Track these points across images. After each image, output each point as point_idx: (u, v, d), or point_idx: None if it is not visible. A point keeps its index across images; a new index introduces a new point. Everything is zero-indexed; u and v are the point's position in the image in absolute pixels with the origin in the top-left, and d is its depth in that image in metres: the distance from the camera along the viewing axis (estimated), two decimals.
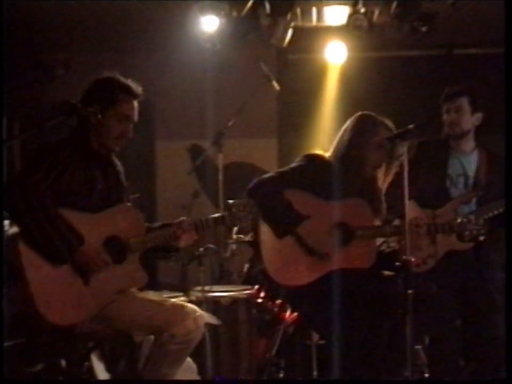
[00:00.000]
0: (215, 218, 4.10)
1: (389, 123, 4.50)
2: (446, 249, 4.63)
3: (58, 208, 3.71)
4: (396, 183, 4.51)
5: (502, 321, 4.76)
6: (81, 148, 3.88)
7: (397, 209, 4.52)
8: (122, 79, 3.95)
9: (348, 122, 4.60)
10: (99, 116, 3.77)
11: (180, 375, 3.95)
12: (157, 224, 4.11)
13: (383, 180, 4.59)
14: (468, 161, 4.80)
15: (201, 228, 4.07)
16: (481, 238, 4.34)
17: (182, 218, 4.04)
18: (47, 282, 3.66)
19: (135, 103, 3.95)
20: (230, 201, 4.11)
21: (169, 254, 4.22)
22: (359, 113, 4.60)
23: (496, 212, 4.59)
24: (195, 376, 4.17)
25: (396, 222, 4.58)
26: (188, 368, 4.09)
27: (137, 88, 3.95)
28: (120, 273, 3.85)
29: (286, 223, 4.43)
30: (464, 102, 4.72)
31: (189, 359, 4.06)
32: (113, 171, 4.04)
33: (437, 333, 4.75)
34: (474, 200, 4.72)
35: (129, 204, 4.02)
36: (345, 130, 4.58)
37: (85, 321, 3.75)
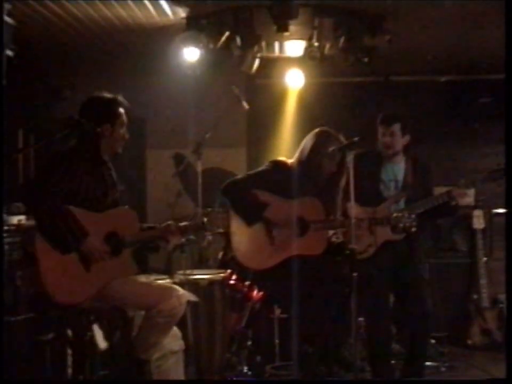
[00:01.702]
0: (197, 224, 4.10)
1: (341, 137, 4.51)
2: (383, 240, 4.65)
3: (69, 206, 3.71)
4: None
5: (427, 294, 4.80)
6: (90, 156, 3.89)
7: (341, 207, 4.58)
8: (114, 95, 3.98)
9: (309, 136, 4.61)
10: (110, 130, 3.87)
11: (169, 339, 3.98)
12: (145, 225, 4.11)
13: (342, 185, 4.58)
14: (397, 168, 4.83)
15: (185, 232, 4.10)
16: (413, 229, 4.38)
17: (170, 222, 4.02)
18: (56, 268, 3.67)
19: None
20: (209, 209, 4.11)
21: (152, 252, 4.21)
22: (318, 129, 4.61)
23: (421, 210, 4.61)
24: (179, 341, 4.15)
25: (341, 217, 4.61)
26: (174, 335, 4.08)
27: (122, 98, 4.00)
28: (116, 264, 3.84)
29: (253, 211, 4.43)
30: (397, 127, 4.74)
31: (174, 327, 4.05)
32: (111, 172, 4.04)
33: (375, 307, 4.77)
34: (403, 200, 4.75)
35: (126, 206, 4.01)
36: (306, 143, 4.60)
37: (85, 301, 3.75)
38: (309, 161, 4.54)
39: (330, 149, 4.44)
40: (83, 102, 3.96)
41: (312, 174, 4.55)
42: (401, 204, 4.74)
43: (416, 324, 4.77)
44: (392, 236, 4.61)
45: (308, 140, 4.60)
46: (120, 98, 3.98)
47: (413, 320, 4.78)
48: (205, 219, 4.06)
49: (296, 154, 4.63)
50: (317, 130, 4.61)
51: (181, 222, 4.09)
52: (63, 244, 3.67)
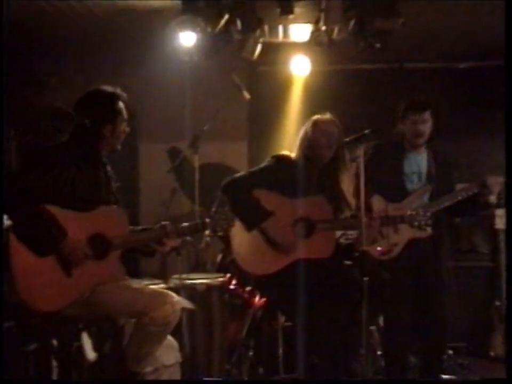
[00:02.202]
0: (198, 224, 4.04)
1: (337, 124, 4.51)
2: (408, 237, 4.64)
3: (52, 205, 3.66)
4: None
5: (449, 300, 4.84)
6: (84, 154, 3.86)
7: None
8: (114, 89, 3.97)
9: (307, 125, 4.57)
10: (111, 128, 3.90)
11: (163, 351, 3.94)
12: (139, 227, 4.07)
13: (347, 180, 4.57)
14: (420, 159, 4.83)
15: (183, 234, 4.04)
16: (428, 228, 4.36)
17: (165, 223, 3.97)
18: (32, 272, 3.63)
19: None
20: (213, 209, 4.06)
21: (146, 256, 4.18)
22: (316, 116, 4.58)
23: (447, 204, 4.61)
24: (176, 352, 4.13)
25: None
26: (170, 346, 4.05)
27: (121, 91, 3.99)
28: (101, 268, 3.80)
29: (254, 218, 4.40)
30: (428, 114, 4.74)
31: (170, 337, 4.03)
32: (107, 170, 4.02)
33: (391, 315, 4.74)
34: (427, 194, 4.74)
35: (115, 206, 3.97)
36: (306, 132, 4.56)
37: (66, 307, 3.71)
38: (313, 155, 4.52)
39: (339, 140, 4.43)
40: (81, 97, 3.95)
41: (317, 169, 4.53)
42: (426, 198, 4.74)
43: (433, 333, 4.76)
44: (418, 233, 4.58)
45: (308, 130, 4.57)
46: (119, 91, 3.97)
47: (429, 328, 4.77)
48: (208, 220, 4.01)
49: (297, 148, 4.59)
50: (315, 117, 4.59)
51: (176, 222, 4.05)
52: (40, 246, 3.63)
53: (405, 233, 4.61)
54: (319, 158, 4.51)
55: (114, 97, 3.94)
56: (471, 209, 4.83)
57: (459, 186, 4.75)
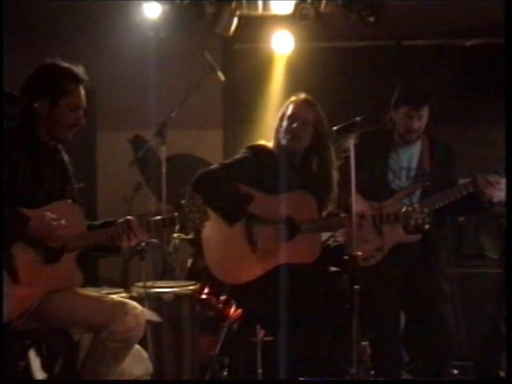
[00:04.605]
0: (165, 219, 4.00)
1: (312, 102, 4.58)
2: (393, 242, 4.67)
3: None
4: (342, 176, 4.58)
5: (450, 312, 4.86)
6: (27, 140, 3.84)
7: (343, 203, 4.57)
8: (68, 65, 3.90)
9: (285, 108, 4.61)
10: (48, 107, 3.80)
11: (131, 361, 3.95)
12: (99, 222, 4.06)
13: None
14: (411, 153, 4.83)
15: (149, 229, 3.98)
16: (426, 226, 4.39)
17: (128, 217, 3.95)
18: None
19: (82, 89, 3.91)
20: (183, 201, 3.99)
21: (109, 254, 4.17)
22: (294, 97, 4.62)
23: (439, 205, 4.62)
24: (145, 362, 4.14)
25: (343, 215, 4.60)
26: (138, 356, 4.08)
27: (82, 73, 3.91)
28: (54, 273, 3.79)
29: (236, 205, 4.43)
30: (426, 109, 4.72)
31: (138, 346, 4.04)
32: (59, 162, 4.00)
33: (380, 328, 4.78)
34: (418, 192, 4.76)
35: (70, 201, 3.93)
36: (279, 117, 4.61)
37: (13, 321, 3.70)
38: (288, 144, 4.55)
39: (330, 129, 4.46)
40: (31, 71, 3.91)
41: (297, 160, 4.57)
42: (416, 197, 4.75)
43: (433, 350, 4.79)
44: (405, 237, 4.62)
45: (280, 114, 4.61)
46: (77, 70, 3.90)
47: (429, 344, 4.81)
48: (176, 214, 3.97)
49: (273, 136, 4.63)
50: (293, 99, 4.63)
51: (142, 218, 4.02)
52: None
53: (391, 237, 4.63)
54: (294, 147, 4.55)
55: (59, 72, 3.86)
56: (467, 212, 4.95)
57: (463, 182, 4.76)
